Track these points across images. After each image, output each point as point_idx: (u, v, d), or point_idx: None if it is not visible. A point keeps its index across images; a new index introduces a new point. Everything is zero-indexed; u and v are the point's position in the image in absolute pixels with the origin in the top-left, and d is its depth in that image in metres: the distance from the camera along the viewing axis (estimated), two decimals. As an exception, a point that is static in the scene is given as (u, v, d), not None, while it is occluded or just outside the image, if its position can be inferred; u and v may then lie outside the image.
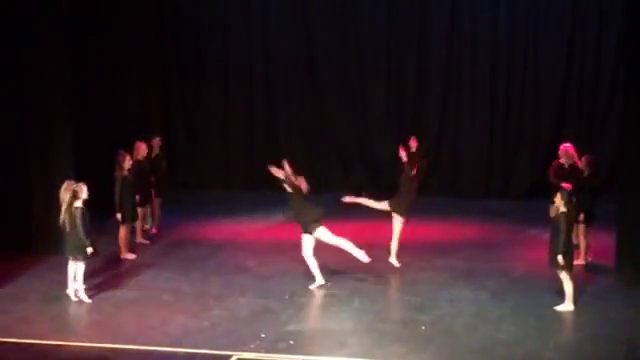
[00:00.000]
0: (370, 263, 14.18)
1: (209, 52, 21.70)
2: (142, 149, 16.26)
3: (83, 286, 13.17)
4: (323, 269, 14.57)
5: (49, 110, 15.73)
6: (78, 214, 12.99)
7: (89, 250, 13.01)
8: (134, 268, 14.91)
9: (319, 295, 13.46)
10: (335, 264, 14.85)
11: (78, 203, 13.03)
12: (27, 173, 15.68)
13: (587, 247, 14.79)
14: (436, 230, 17.49)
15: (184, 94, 21.89)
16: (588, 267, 14.65)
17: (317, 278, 13.83)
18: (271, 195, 18.38)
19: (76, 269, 13.17)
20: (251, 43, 21.50)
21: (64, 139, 15.88)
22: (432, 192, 20.66)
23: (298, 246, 16.22)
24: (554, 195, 12.64)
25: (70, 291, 13.17)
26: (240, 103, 21.67)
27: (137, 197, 15.86)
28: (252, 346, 11.27)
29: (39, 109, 15.66)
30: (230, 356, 10.94)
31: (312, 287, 13.73)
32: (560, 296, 12.78)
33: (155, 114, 20.31)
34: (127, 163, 15.43)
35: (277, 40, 21.36)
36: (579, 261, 14.67)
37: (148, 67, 19.86)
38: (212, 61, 21.68)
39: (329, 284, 13.95)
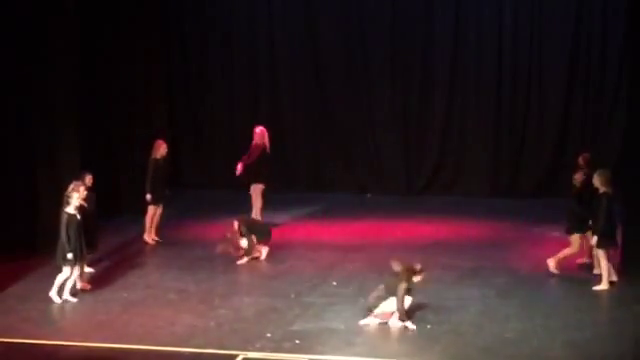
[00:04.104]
0: (376, 262, 14.17)
1: (214, 52, 21.70)
2: (162, 148, 16.37)
3: (55, 289, 13.12)
4: (329, 268, 14.59)
5: (55, 109, 15.77)
6: (63, 220, 12.96)
7: (69, 256, 12.98)
8: (140, 268, 14.91)
9: (325, 294, 13.43)
10: (340, 263, 14.86)
11: (69, 208, 13.01)
12: (33, 173, 15.69)
13: (590, 247, 14.70)
14: (442, 229, 17.45)
15: (190, 94, 21.89)
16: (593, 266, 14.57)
17: None
18: (276, 195, 18.40)
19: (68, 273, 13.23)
20: (256, 43, 21.49)
21: (70, 138, 15.92)
22: (438, 191, 20.68)
23: (303, 245, 16.28)
24: None
25: (65, 294, 13.21)
26: (245, 103, 21.66)
27: (149, 196, 16.05)
28: (258, 345, 11.25)
29: (45, 108, 15.69)
30: (236, 355, 10.92)
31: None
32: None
33: (161, 114, 20.28)
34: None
35: (282, 40, 21.35)
36: (584, 260, 14.64)
37: (154, 67, 19.82)
38: (217, 61, 21.68)
39: (335, 283, 13.94)
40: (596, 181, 13.61)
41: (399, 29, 20.82)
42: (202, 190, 20.96)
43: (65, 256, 12.95)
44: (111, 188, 16.10)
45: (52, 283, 13.24)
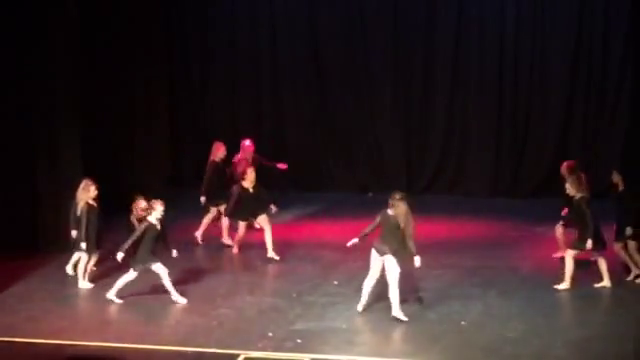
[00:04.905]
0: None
1: (216, 52, 21.69)
2: (221, 150, 16.39)
3: (115, 289, 13.21)
4: (330, 267, 14.61)
5: (56, 110, 15.76)
6: (142, 226, 13.02)
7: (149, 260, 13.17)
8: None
9: (326, 293, 13.45)
10: (342, 262, 14.86)
11: (150, 218, 13.05)
12: (33, 172, 15.70)
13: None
14: (443, 228, 17.45)
15: (191, 94, 21.88)
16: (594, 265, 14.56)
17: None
18: (277, 195, 18.40)
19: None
20: (257, 43, 21.47)
21: (71, 138, 15.91)
22: (439, 190, 20.68)
23: (305, 245, 16.28)
24: None
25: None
26: (246, 103, 21.66)
27: (203, 198, 16.14)
28: (260, 345, 11.28)
29: (46, 108, 15.68)
30: (238, 355, 10.95)
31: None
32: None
33: (162, 114, 20.30)
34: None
35: (283, 40, 21.33)
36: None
37: (155, 66, 19.84)
38: (219, 61, 21.65)
39: (336, 282, 13.95)
40: (570, 189, 13.62)
41: (401, 29, 20.79)
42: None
43: (143, 259, 13.03)
44: (112, 188, 16.04)
45: (55, 282, 13.32)
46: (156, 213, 13.07)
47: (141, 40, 19.17)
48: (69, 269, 14.23)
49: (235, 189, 15.46)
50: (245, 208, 15.44)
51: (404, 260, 12.38)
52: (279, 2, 21.28)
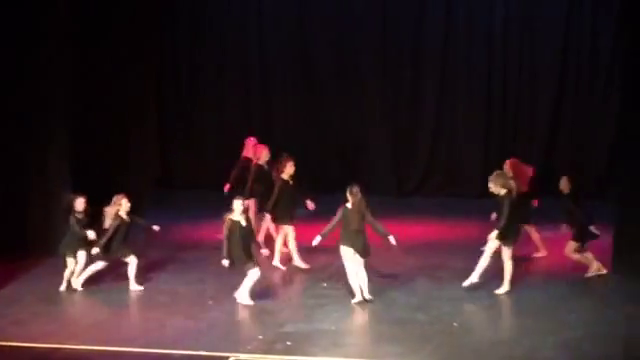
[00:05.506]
0: (366, 263, 14.13)
1: (205, 52, 21.69)
2: (264, 153, 15.96)
3: (246, 292, 13.11)
4: (319, 270, 14.61)
5: (47, 113, 15.72)
6: (226, 225, 12.87)
7: (224, 262, 12.97)
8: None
9: (315, 295, 13.44)
10: (330, 264, 14.85)
11: (233, 215, 12.91)
12: (24, 175, 15.65)
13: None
14: (433, 230, 17.47)
15: (180, 94, 21.86)
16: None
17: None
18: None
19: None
20: (247, 43, 21.49)
21: (61, 141, 15.87)
22: (429, 192, 20.69)
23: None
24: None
25: None
26: (236, 104, 21.65)
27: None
28: (249, 347, 11.26)
29: (37, 111, 15.64)
30: (227, 357, 10.92)
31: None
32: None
33: (151, 115, 20.25)
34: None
35: (273, 41, 21.35)
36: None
37: (145, 66, 19.77)
38: (209, 61, 21.66)
39: (325, 284, 13.94)
40: (494, 187, 13.68)
41: (389, 29, 20.82)
42: (192, 191, 20.92)
43: (240, 258, 12.92)
44: (104, 190, 16.01)
45: (44, 285, 13.27)
46: (237, 207, 12.90)
47: (132, 40, 19.09)
48: (78, 284, 13.87)
49: (276, 182, 15.03)
50: (286, 206, 15.04)
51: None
52: (268, 2, 21.30)
